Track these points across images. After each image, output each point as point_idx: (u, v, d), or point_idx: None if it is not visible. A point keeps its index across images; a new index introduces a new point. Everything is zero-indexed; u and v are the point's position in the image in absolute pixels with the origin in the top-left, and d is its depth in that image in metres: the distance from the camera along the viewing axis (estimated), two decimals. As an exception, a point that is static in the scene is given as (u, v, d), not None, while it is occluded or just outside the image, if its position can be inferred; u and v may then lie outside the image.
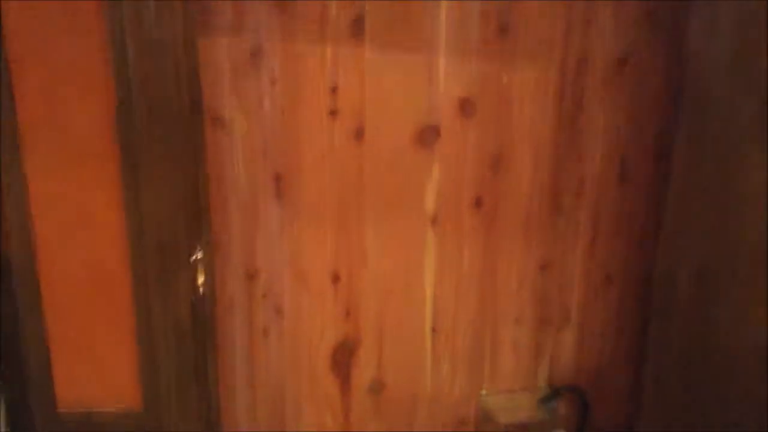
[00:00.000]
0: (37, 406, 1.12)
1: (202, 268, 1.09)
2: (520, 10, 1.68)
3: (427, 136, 1.71)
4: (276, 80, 1.59)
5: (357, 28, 1.60)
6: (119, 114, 0.95)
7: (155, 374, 1.09)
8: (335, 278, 1.76)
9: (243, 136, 1.59)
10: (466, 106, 1.71)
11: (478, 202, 1.79)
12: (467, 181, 1.77)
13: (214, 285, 1.17)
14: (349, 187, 1.70)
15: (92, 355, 1.11)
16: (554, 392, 1.96)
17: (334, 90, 1.63)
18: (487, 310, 1.89)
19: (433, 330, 1.87)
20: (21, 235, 1.02)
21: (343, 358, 1.83)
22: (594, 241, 1.89)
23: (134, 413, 1.14)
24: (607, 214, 1.88)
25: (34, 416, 1.12)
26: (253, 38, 1.56)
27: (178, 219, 1.02)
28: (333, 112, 1.64)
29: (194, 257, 1.05)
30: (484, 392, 1.95)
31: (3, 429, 1.00)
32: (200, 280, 1.09)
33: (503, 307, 1.90)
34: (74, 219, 1.02)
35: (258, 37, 1.56)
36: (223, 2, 1.51)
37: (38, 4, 0.90)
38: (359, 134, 1.67)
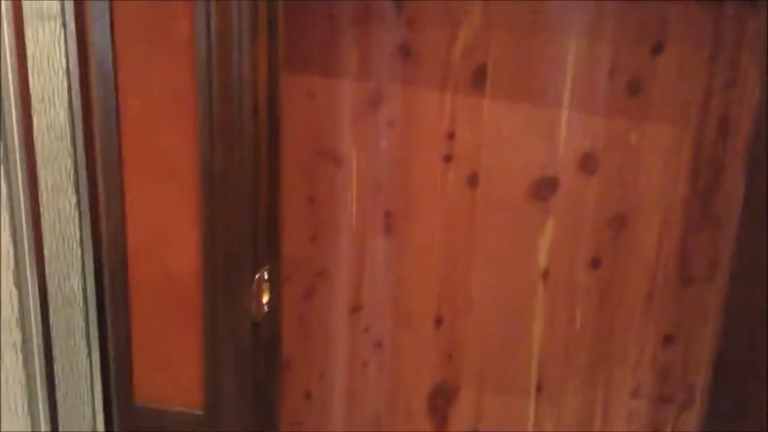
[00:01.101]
0: (117, 397, 1.25)
1: (268, 287, 1.17)
2: (654, 67, 1.61)
3: (544, 189, 1.68)
4: (394, 122, 1.65)
5: (479, 77, 1.62)
6: (202, 141, 1.06)
7: (215, 383, 1.18)
8: (438, 320, 1.77)
9: (357, 172, 1.67)
10: (587, 162, 1.66)
11: (594, 263, 1.72)
12: (584, 240, 1.71)
13: (280, 305, 1.24)
14: (459, 231, 1.71)
15: (166, 358, 1.22)
16: (666, 477, 1.81)
17: (450, 136, 1.66)
18: (599, 377, 1.80)
19: (538, 388, 1.81)
20: (116, 242, 1.16)
21: (440, 401, 1.83)
22: (727, 322, 1.74)
23: (196, 415, 1.23)
24: (744, 294, 1.72)
25: (113, 405, 1.25)
26: (375, 82, 1.63)
27: (245, 240, 1.11)
28: (448, 158, 1.67)
29: (258, 276, 1.13)
30: (587, 463, 1.85)
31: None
32: (265, 299, 1.16)
33: (619, 377, 1.80)
34: (160, 231, 1.14)
35: (380, 81, 1.63)
36: (349, 49, 1.61)
37: (139, 40, 1.03)
38: (473, 181, 1.68)
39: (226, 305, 1.15)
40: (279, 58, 1.12)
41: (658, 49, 1.60)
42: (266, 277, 1.18)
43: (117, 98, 1.12)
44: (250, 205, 1.12)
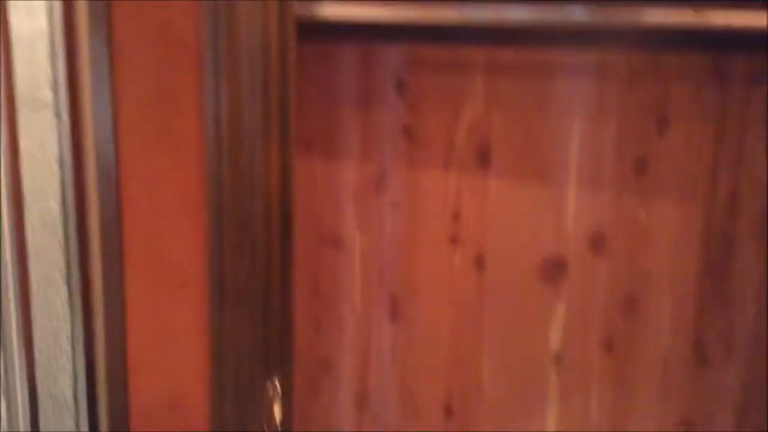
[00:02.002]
0: None
1: (279, 405, 1.10)
2: (661, 145, 1.58)
3: (553, 270, 1.63)
4: (398, 204, 1.62)
5: (483, 157, 1.60)
6: (211, 243, 1.00)
7: None
8: (448, 409, 1.69)
9: (361, 255, 1.62)
10: (596, 242, 1.62)
11: (608, 346, 1.66)
12: (596, 322, 1.65)
13: (291, 423, 1.17)
14: (467, 315, 1.65)
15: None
16: None
17: (455, 217, 1.62)
18: (617, 465, 1.71)
19: (554, 479, 1.72)
20: (113, 347, 1.09)
21: (451, 495, 1.73)
22: (747, 403, 1.67)
23: None
24: (762, 374, 1.66)
25: None
26: (377, 164, 1.60)
27: (255, 353, 1.05)
28: (453, 239, 1.62)
29: (271, 394, 1.06)
30: None
31: None
32: (278, 417, 1.09)
33: (637, 464, 1.72)
34: (163, 338, 1.07)
35: (382, 162, 1.60)
36: (351, 131, 1.58)
37: (144, 134, 0.99)
38: (480, 263, 1.63)
39: (236, 423, 1.08)
40: (292, 156, 1.08)
41: (663, 126, 1.58)
42: (278, 392, 1.11)
43: (119, 195, 1.08)
44: (261, 313, 1.06)
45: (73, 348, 1.15)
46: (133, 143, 1.04)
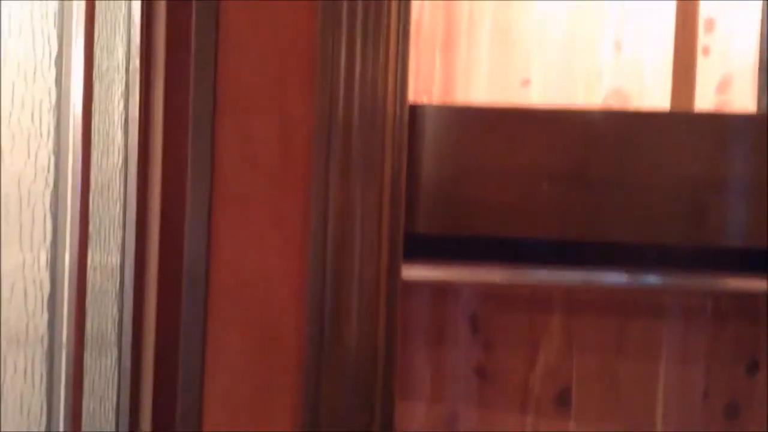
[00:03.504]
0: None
1: None
2: (752, 388, 1.48)
3: None
4: (472, 448, 1.50)
5: (562, 400, 1.49)
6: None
7: None
8: None
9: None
10: (687, 495, 1.49)
11: None
12: None
13: None
14: None
15: None
16: None
17: (535, 462, 1.50)
18: None
19: None
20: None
21: None
22: None
23: None
24: None
25: None
26: (449, 405, 1.50)
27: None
28: (530, 489, 1.50)
29: None
30: None
31: None
32: None
33: None
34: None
35: (454, 404, 1.50)
36: (422, 371, 1.49)
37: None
38: None
39: None
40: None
41: (753, 368, 1.48)
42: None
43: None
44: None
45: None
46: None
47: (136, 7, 1.16)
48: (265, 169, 0.87)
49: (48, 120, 1.14)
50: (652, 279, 1.35)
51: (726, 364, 1.48)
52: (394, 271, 0.87)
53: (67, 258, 1.15)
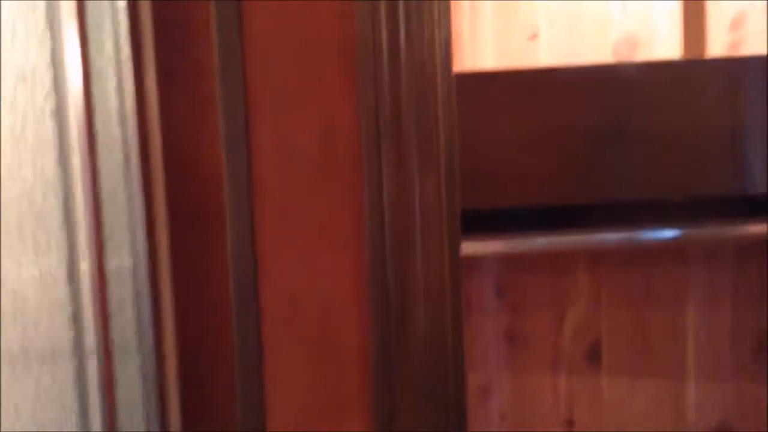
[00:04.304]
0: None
1: None
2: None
3: (677, 469, 1.50)
4: (506, 415, 1.48)
5: (593, 356, 1.48)
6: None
7: None
8: None
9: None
10: (722, 434, 1.50)
11: None
12: None
13: None
14: None
15: None
16: None
17: (569, 423, 1.49)
18: None
19: None
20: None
21: None
22: None
23: None
24: None
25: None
26: (481, 373, 1.48)
27: None
28: (569, 447, 1.49)
29: None
30: None
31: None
32: None
33: None
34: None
35: (487, 371, 1.48)
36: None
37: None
38: (598, 470, 1.50)
39: None
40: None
41: (778, 305, 1.48)
42: None
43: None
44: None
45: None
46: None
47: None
48: (308, 173, 0.80)
49: (51, 126, 1.06)
50: (672, 232, 1.34)
51: (752, 302, 1.48)
52: (455, 263, 0.82)
53: (86, 266, 1.08)
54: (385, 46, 0.77)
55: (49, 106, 1.06)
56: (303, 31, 0.80)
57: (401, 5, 0.76)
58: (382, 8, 0.76)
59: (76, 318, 1.08)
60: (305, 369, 0.85)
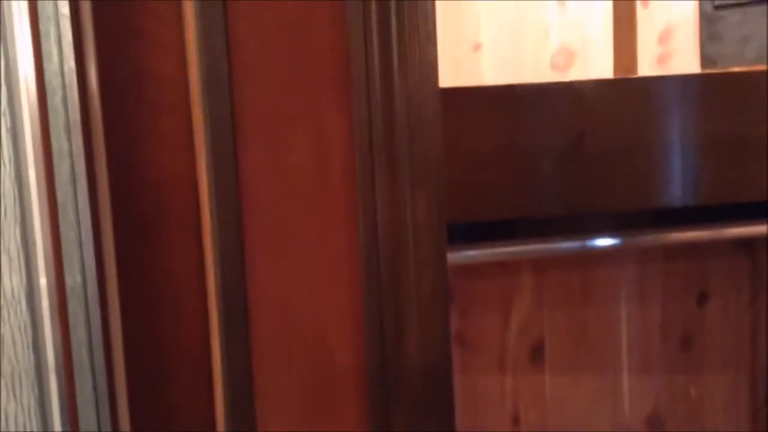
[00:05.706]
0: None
1: None
2: (702, 319, 1.59)
3: (614, 458, 1.59)
4: (456, 415, 1.52)
5: (536, 355, 1.54)
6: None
7: None
8: None
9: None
10: (654, 423, 1.59)
11: None
12: (660, 502, 1.61)
13: None
14: None
15: None
16: None
17: (515, 419, 1.54)
18: None
19: None
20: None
21: None
22: None
23: None
24: None
25: None
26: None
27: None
28: (515, 443, 1.55)
29: None
30: None
31: None
32: None
33: None
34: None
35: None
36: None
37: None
38: (543, 461, 1.56)
39: None
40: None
41: (703, 300, 1.59)
42: None
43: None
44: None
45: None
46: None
47: (63, 6, 1.05)
48: (300, 191, 0.80)
49: (6, 142, 1.01)
50: (608, 241, 1.43)
51: (679, 299, 1.58)
52: (444, 277, 0.84)
53: (43, 283, 1.05)
54: (377, 63, 0.77)
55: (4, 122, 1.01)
56: (294, 48, 0.80)
57: (393, 23, 0.77)
58: (374, 26, 0.77)
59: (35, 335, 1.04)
60: (298, 386, 0.85)
